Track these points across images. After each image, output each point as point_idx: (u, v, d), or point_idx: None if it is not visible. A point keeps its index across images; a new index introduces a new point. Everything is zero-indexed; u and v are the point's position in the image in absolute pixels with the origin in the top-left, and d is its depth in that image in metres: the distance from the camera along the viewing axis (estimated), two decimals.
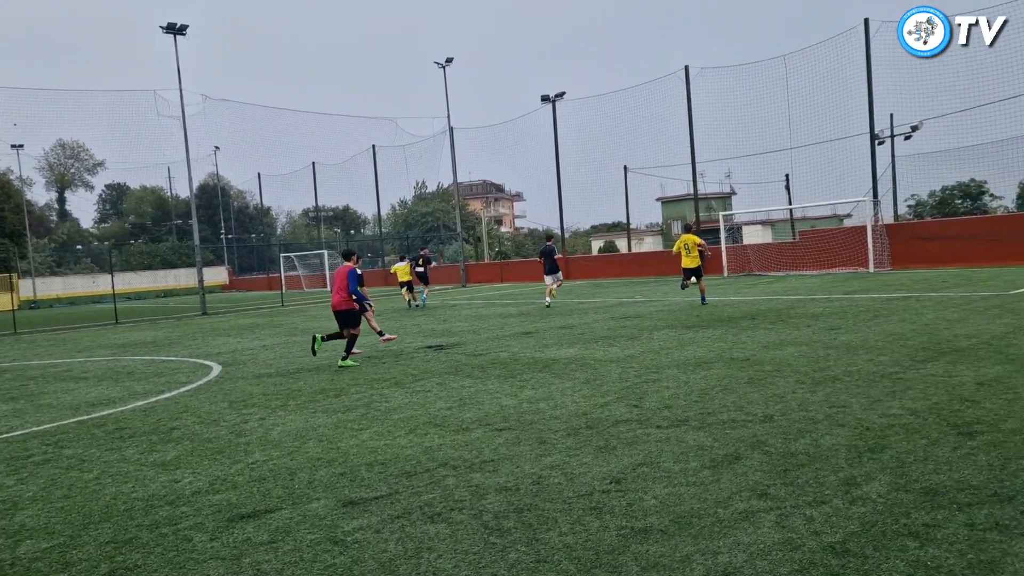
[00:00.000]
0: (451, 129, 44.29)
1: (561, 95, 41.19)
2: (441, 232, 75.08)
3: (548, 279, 21.54)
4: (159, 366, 13.65)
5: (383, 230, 71.37)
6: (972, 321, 11.55)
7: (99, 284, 64.33)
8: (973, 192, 49.84)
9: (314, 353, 12.44)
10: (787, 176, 42.02)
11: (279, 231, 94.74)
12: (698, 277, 18.79)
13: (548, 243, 22.77)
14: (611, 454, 5.66)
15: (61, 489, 5.85)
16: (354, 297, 12.10)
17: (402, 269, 26.60)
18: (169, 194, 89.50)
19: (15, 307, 33.32)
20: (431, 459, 5.91)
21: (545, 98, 41.32)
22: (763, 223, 61.71)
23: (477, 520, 4.49)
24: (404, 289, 26.50)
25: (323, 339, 12.35)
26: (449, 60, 43.44)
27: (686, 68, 35.14)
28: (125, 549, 4.45)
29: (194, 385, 10.88)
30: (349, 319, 12.13)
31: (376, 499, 5.02)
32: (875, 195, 30.01)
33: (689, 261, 18.77)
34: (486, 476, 5.34)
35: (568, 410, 7.30)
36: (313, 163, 61.49)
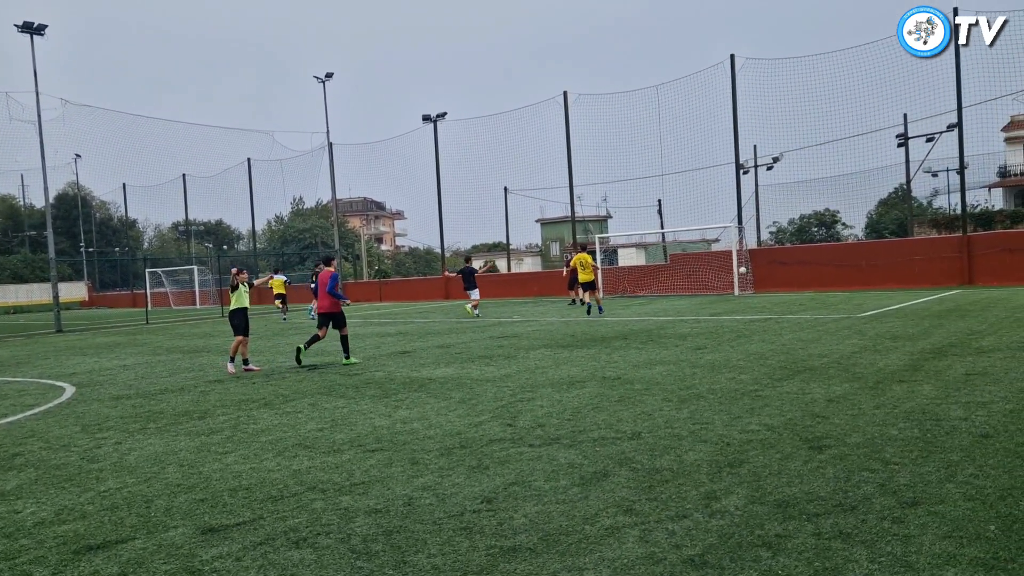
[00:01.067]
0: (330, 144, 43.59)
1: (442, 115, 41.32)
2: (319, 249, 73.48)
3: (473, 294, 24.30)
4: (3, 387, 12.65)
5: (258, 245, 69.13)
6: (825, 341, 12.31)
7: None
8: (828, 221, 53.37)
9: (299, 363, 13.14)
10: (659, 201, 43.63)
11: (146, 245, 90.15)
12: (594, 289, 22.07)
13: (468, 264, 25.84)
14: (483, 473, 5.66)
15: None
16: (338, 295, 13.38)
17: (277, 283, 28.84)
18: (22, 203, 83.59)
19: None
20: (299, 482, 5.74)
21: (427, 117, 41.33)
22: (637, 246, 63.87)
23: (344, 544, 4.38)
24: (278, 301, 28.87)
25: (304, 347, 13.35)
26: (329, 75, 42.82)
27: (564, 94, 36.01)
28: None
29: (43, 408, 10.14)
30: (340, 320, 13.40)
31: (238, 525, 4.82)
32: (740, 221, 31.61)
33: (585, 276, 21.97)
34: (356, 499, 5.23)
35: (442, 430, 7.26)
36: (184, 175, 58.94)
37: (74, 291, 64.50)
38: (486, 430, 7.14)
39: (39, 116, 30.69)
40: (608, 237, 42.30)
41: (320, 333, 13.50)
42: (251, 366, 13.09)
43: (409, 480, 5.61)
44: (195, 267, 57.17)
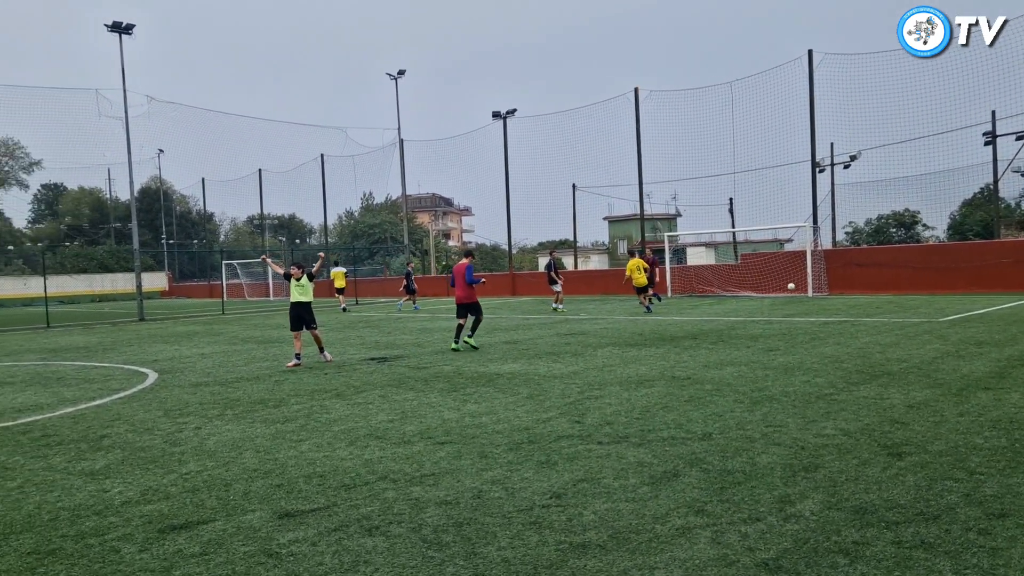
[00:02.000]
0: (401, 141, 44.19)
1: (512, 112, 41.44)
2: (388, 244, 74.59)
3: (555, 287, 25.30)
4: (91, 372, 13.24)
5: (329, 240, 70.56)
6: (904, 346, 11.92)
7: (31, 287, 62.07)
8: (907, 221, 51.56)
9: (456, 350, 13.89)
10: (731, 200, 42.91)
11: (222, 238, 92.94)
12: (643, 291, 22.95)
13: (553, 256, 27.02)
14: (552, 469, 5.67)
15: None
16: (474, 284, 14.42)
17: (338, 275, 31.25)
18: (108, 196, 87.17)
19: None
20: (371, 472, 5.84)
21: (496, 114, 41.51)
22: (707, 245, 62.88)
23: (416, 534, 4.45)
24: (338, 294, 31.39)
25: (456, 341, 14.10)
26: (401, 72, 43.38)
27: (635, 90, 35.70)
28: (48, 560, 4.29)
29: (128, 392, 10.57)
30: (473, 308, 14.37)
31: (313, 511, 4.94)
32: (815, 221, 30.83)
33: (639, 280, 22.89)
34: (426, 489, 5.31)
35: (510, 425, 7.30)
36: (260, 170, 60.58)
37: (155, 281, 66.96)
38: (554, 426, 7.14)
39: (126, 113, 31.97)
40: (677, 236, 41.76)
41: (461, 322, 14.39)
42: (296, 361, 12.82)
43: (478, 473, 5.66)
44: (269, 260, 58.64)
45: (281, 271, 14.36)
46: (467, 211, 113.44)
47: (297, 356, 12.96)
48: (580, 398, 8.54)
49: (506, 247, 45.46)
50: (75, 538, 4.63)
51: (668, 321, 18.81)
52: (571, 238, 50.10)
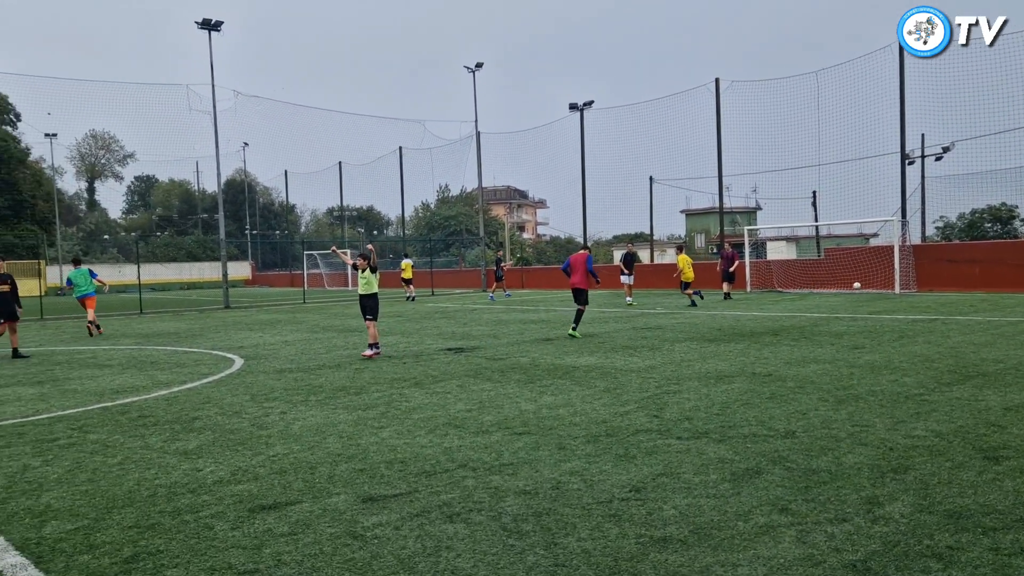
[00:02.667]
0: (478, 134, 44.42)
1: (589, 104, 41.20)
2: (463, 236, 75.22)
3: (624, 279, 25.50)
4: (182, 357, 13.79)
5: (406, 232, 71.59)
6: (1000, 346, 11.41)
7: (124, 274, 65.00)
8: (1004, 216, 49.16)
9: (575, 336, 14.83)
10: (814, 193, 41.74)
11: (303, 229, 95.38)
12: (688, 286, 24.07)
13: (629, 248, 27.29)
14: (631, 463, 5.65)
15: (86, 473, 5.93)
16: (595, 274, 15.69)
17: (406, 266, 33.62)
18: (196, 188, 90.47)
19: (42, 293, 33.81)
20: (450, 460, 5.93)
21: (573, 106, 41.34)
22: (788, 239, 61.34)
23: (496, 522, 4.50)
24: (407, 285, 33.66)
25: (575, 328, 15.05)
26: (479, 65, 43.59)
27: (716, 81, 35.02)
28: (148, 534, 4.50)
29: (216, 377, 10.98)
30: (584, 296, 15.47)
31: (395, 496, 5.04)
32: (903, 215, 29.71)
33: (687, 275, 24.17)
34: (505, 479, 5.36)
35: (588, 417, 7.30)
36: (340, 162, 61.92)
37: (239, 270, 69.22)
38: (632, 420, 7.11)
39: (214, 107, 33.09)
40: (757, 229, 40.83)
41: (581, 308, 15.39)
42: (369, 351, 12.82)
43: (557, 464, 5.68)
44: (348, 251, 59.92)
45: (349, 262, 14.61)
46: (542, 204, 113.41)
47: (371, 346, 12.91)
48: (658, 392, 8.47)
49: (580, 240, 45.28)
50: (172, 514, 4.85)
51: (747, 316, 18.45)
52: (647, 231, 49.58)
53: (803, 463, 5.49)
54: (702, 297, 24.57)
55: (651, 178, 45.88)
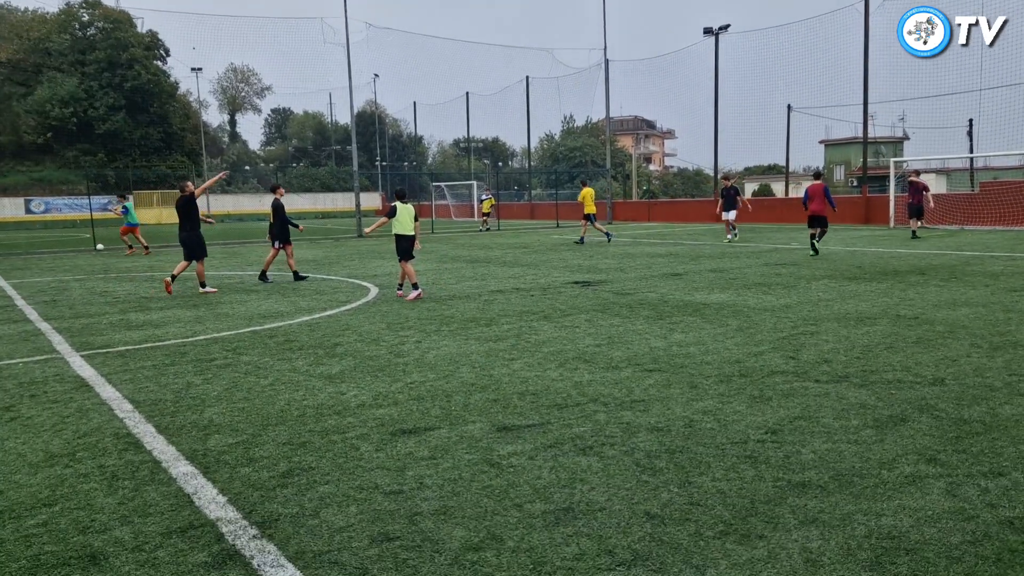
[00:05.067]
0: (607, 62, 43.35)
1: (725, 28, 39.31)
2: (588, 168, 74.38)
3: (729, 215, 24.07)
4: (321, 284, 14.46)
5: (531, 163, 71.50)
6: None
7: (264, 203, 68.32)
8: None
9: (815, 252, 17.34)
10: (970, 121, 38.62)
11: (430, 160, 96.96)
12: (592, 220, 24.26)
13: (727, 184, 25.40)
14: (766, 404, 5.54)
15: (241, 391, 6.38)
16: (833, 204, 17.78)
17: (487, 202, 38.01)
18: (329, 120, 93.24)
19: None
20: (581, 394, 6.00)
21: (708, 31, 39.58)
22: (938, 172, 57.20)
23: (629, 457, 4.54)
24: (485, 217, 37.82)
25: (815, 245, 17.51)
26: None
27: (866, 0, 32.55)
28: (300, 451, 4.82)
29: (353, 305, 11.47)
30: (824, 222, 17.57)
31: (529, 427, 5.16)
32: None
33: (588, 208, 24.31)
34: (637, 415, 5.37)
35: (720, 356, 7.18)
36: (467, 93, 62.10)
37: (370, 200, 71.36)
38: (766, 360, 6.94)
39: (347, 39, 33.72)
40: (904, 161, 38.25)
41: (813, 232, 17.53)
42: (409, 292, 12.04)
43: (689, 403, 5.64)
44: (474, 182, 60.54)
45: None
46: (670, 134, 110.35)
47: (414, 286, 11.99)
48: (794, 333, 8.21)
49: (709, 172, 43.88)
50: (320, 433, 5.16)
51: (891, 254, 17.48)
52: (782, 163, 47.43)
53: (953, 412, 5.22)
54: (609, 239, 23.61)
55: (789, 106, 43.68)
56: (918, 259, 16.08)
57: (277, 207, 15.41)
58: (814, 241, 17.62)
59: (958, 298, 10.36)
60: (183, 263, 13.56)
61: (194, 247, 13.47)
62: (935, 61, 32.18)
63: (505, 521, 3.70)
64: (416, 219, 12.43)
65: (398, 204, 12.30)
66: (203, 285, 13.45)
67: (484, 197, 39.46)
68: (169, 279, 13.25)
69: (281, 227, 15.27)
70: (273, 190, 16.01)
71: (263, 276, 15.10)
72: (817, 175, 19.00)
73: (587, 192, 24.64)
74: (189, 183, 13.92)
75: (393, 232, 12.40)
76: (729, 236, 23.72)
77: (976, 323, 8.47)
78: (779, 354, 7.19)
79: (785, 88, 42.88)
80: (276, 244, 15.26)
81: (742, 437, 4.83)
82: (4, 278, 17.64)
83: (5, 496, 4.22)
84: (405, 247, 12.15)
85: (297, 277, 15.16)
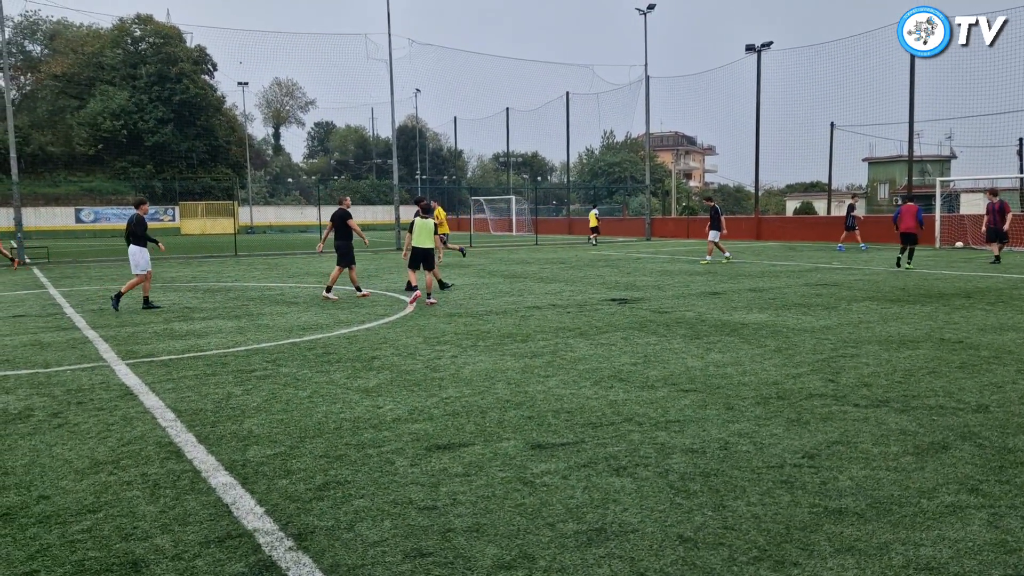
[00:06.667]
0: (647, 78, 43.32)
1: (768, 45, 39.05)
2: (628, 184, 74.22)
3: (712, 235, 23.10)
4: (360, 298, 14.61)
5: (569, 178, 71.59)
6: None
7: (306, 215, 69.40)
8: None
9: (899, 264, 19.44)
10: (1020, 140, 37.78)
11: (469, 174, 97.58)
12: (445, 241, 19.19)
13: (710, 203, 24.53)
14: (804, 428, 5.48)
15: (280, 403, 6.48)
16: (922, 225, 19.97)
17: (592, 216, 37.18)
18: (371, 134, 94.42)
19: (235, 231, 36.86)
20: (616, 413, 5.99)
21: (750, 48, 39.35)
22: (986, 192, 56.10)
23: (663, 479, 4.52)
24: (593, 233, 37.13)
25: (901, 262, 19.51)
26: (651, 6, 42.29)
27: None
28: (336, 464, 4.88)
29: (391, 318, 11.58)
30: (914, 238, 19.50)
31: (563, 446, 5.17)
32: None
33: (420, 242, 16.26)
34: (671, 436, 5.35)
35: (758, 378, 7.11)
36: (507, 108, 62.44)
37: (410, 213, 71.94)
38: (805, 383, 6.86)
39: (390, 55, 34.22)
40: (950, 180, 37.55)
41: (913, 247, 19.44)
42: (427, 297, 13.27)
43: (725, 424, 5.60)
44: (512, 196, 60.78)
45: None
46: (710, 150, 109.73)
47: (413, 288, 13.63)
48: (833, 355, 8.11)
49: (751, 188, 43.48)
50: (357, 447, 5.23)
51: (935, 275, 17.15)
52: (823, 180, 46.84)
53: (997, 441, 5.11)
54: (464, 254, 22.92)
55: (832, 124, 43.17)
56: (964, 282, 15.76)
57: (341, 218, 15.09)
58: (902, 256, 19.52)
59: (1005, 322, 10.13)
60: (337, 269, 14.42)
61: (343, 255, 14.37)
62: (983, 77, 31.70)
63: (537, 540, 3.71)
64: (436, 232, 13.76)
65: (417, 220, 13.43)
66: (359, 289, 14.52)
67: (594, 211, 38.67)
68: (420, 293, 13.63)
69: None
70: (341, 202, 15.26)
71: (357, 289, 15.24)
72: (910, 197, 21.04)
73: (439, 212, 20.74)
74: (347, 198, 15.24)
75: (411, 244, 13.46)
76: (709, 257, 22.89)
77: (1023, 349, 8.27)
78: (818, 376, 7.10)
79: (828, 105, 42.44)
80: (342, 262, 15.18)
81: (778, 461, 4.78)
82: (54, 286, 18.15)
83: (52, 501, 4.35)
84: (426, 258, 13.41)
85: (359, 291, 15.29)
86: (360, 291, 14.60)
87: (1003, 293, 13.49)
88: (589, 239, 37.82)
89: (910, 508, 4.03)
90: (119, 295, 13.12)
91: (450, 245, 23.22)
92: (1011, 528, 3.76)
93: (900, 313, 11.18)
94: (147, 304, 13.19)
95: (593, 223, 37.17)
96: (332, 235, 14.65)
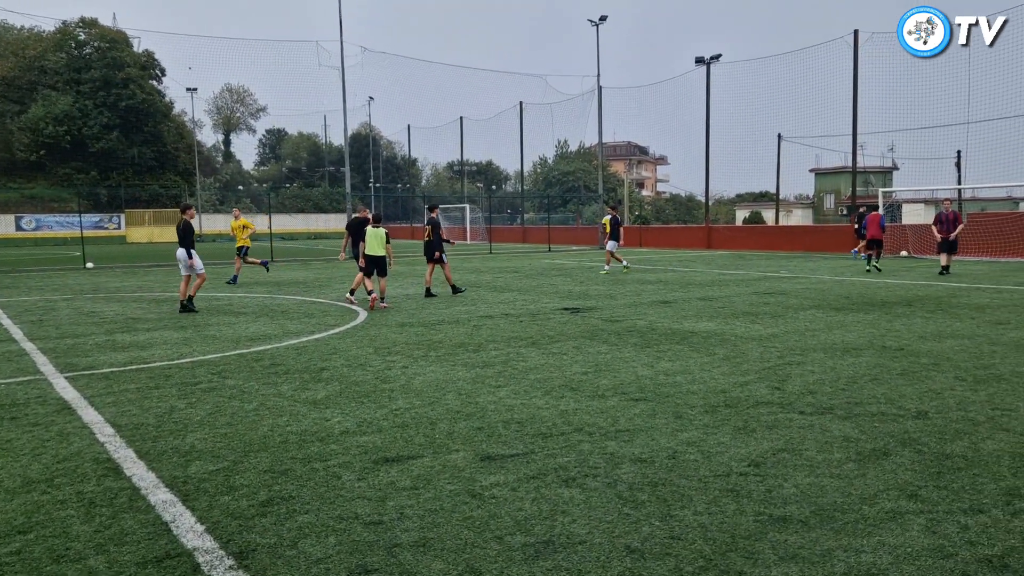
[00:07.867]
0: (600, 88, 43.72)
1: (716, 57, 39.71)
2: (581, 193, 74.70)
3: (609, 245, 22.93)
4: (310, 307, 14.43)
5: (524, 187, 71.81)
6: None
7: (257, 223, 68.22)
8: None
9: (878, 270, 20.93)
10: (958, 152, 39.04)
11: (423, 182, 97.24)
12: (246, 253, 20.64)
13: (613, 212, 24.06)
14: (750, 436, 5.54)
15: (225, 416, 6.34)
16: (884, 231, 22.12)
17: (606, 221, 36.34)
18: (324, 141, 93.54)
19: None
20: (566, 422, 5.99)
21: (699, 60, 39.98)
22: (926, 202, 57.74)
23: (611, 489, 4.52)
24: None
25: (870, 266, 21.33)
26: (603, 18, 42.73)
27: (855, 33, 32.96)
28: (281, 479, 4.78)
29: (342, 328, 11.44)
30: (880, 244, 21.62)
31: (512, 457, 5.15)
32: None
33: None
34: (621, 445, 5.37)
35: (706, 386, 7.19)
36: (461, 117, 62.45)
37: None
38: (752, 391, 6.95)
39: (343, 63, 33.96)
40: (892, 191, 38.57)
41: (871, 253, 21.50)
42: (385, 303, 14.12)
43: (673, 433, 5.64)
44: (466, 205, 60.69)
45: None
46: (662, 160, 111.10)
47: (370, 292, 14.07)
48: (780, 363, 8.24)
49: (701, 198, 44.13)
50: (303, 461, 5.14)
51: (878, 284, 17.58)
52: (772, 190, 47.76)
53: (935, 447, 5.23)
54: (269, 270, 23.09)
55: (779, 135, 44.08)
56: (906, 290, 16.18)
57: (435, 224, 16.42)
58: (872, 261, 21.23)
59: (944, 330, 10.41)
60: (360, 276, 14.63)
61: (378, 265, 14.53)
62: (924, 91, 32.63)
63: (485, 554, 3.68)
64: (388, 241, 14.40)
65: (368, 228, 14.31)
66: (382, 299, 14.29)
67: (608, 216, 37.17)
68: (376, 296, 13.98)
69: (438, 244, 16.16)
70: (431, 210, 17.00)
71: (428, 293, 16.00)
72: (874, 207, 22.32)
73: (244, 221, 21.36)
74: (369, 213, 15.75)
75: (365, 253, 14.29)
76: (607, 267, 22.78)
77: (961, 356, 8.51)
78: (765, 384, 7.20)
79: (776, 117, 43.34)
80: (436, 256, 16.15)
81: (725, 470, 4.83)
82: None
83: None
84: (378, 266, 14.19)
85: (456, 291, 16.28)
86: (383, 302, 14.34)
87: (942, 301, 13.87)
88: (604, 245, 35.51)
89: (852, 515, 4.09)
90: (190, 298, 13.73)
91: (250, 259, 21.48)
92: (948, 533, 3.84)
93: (844, 321, 11.42)
94: (188, 306, 13.65)
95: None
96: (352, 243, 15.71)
